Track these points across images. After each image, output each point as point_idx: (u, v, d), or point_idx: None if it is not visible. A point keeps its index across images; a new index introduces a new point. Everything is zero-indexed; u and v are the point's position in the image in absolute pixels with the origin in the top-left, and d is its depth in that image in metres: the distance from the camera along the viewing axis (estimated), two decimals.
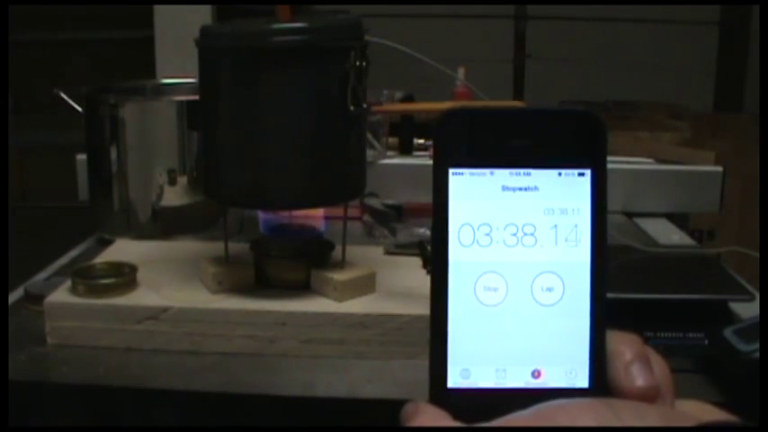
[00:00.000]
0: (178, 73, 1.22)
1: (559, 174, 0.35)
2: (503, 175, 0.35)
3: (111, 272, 0.85)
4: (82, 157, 1.21)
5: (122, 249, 0.95)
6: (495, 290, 0.35)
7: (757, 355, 0.70)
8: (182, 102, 1.08)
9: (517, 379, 0.35)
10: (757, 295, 0.86)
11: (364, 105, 0.79)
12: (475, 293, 0.35)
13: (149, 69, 1.80)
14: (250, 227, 1.02)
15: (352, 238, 0.87)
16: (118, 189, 1.10)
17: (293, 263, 0.84)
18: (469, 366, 0.35)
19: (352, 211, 0.99)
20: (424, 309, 0.83)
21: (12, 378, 0.74)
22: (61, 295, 0.82)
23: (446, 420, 0.33)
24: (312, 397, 0.73)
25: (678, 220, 1.31)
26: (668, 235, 1.22)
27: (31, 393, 0.75)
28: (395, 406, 0.33)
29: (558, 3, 3.15)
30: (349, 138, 0.81)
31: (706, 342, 0.79)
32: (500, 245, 0.35)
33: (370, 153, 1.14)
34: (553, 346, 0.35)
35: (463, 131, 0.36)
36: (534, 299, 0.35)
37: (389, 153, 1.37)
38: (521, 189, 0.35)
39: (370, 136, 1.23)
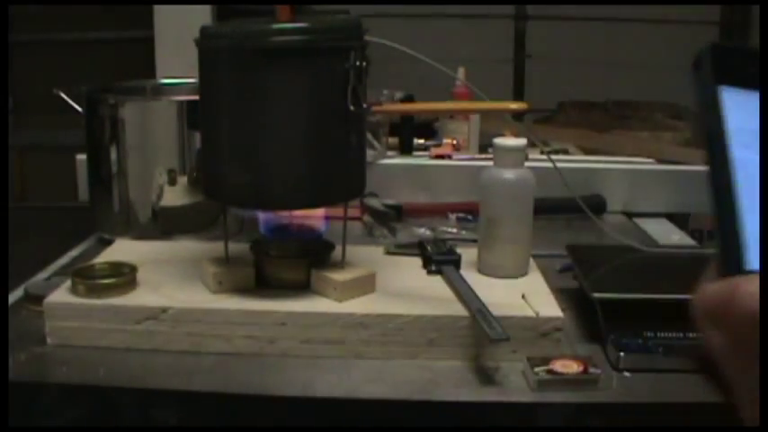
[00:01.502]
0: (178, 73, 1.22)
1: None
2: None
3: (111, 272, 0.85)
4: (82, 157, 1.21)
5: (122, 249, 0.95)
6: None
7: None
8: (182, 102, 1.08)
9: None
10: None
11: (364, 105, 0.79)
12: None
13: (149, 69, 1.79)
14: (250, 227, 1.02)
15: (352, 238, 0.87)
16: (118, 189, 1.10)
17: (293, 263, 0.84)
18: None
19: (352, 211, 0.99)
20: (423, 309, 0.83)
21: (12, 378, 0.74)
22: (61, 295, 0.82)
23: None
24: (312, 397, 0.73)
25: (678, 220, 1.31)
26: (668, 235, 1.22)
27: (31, 393, 0.75)
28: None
29: (558, 3, 3.15)
30: (349, 138, 0.81)
31: None
32: None
33: (370, 153, 1.14)
34: None
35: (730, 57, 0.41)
36: None
37: (389, 153, 1.37)
38: None
39: (370, 136, 1.23)
